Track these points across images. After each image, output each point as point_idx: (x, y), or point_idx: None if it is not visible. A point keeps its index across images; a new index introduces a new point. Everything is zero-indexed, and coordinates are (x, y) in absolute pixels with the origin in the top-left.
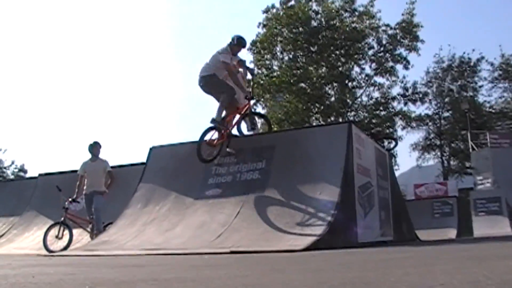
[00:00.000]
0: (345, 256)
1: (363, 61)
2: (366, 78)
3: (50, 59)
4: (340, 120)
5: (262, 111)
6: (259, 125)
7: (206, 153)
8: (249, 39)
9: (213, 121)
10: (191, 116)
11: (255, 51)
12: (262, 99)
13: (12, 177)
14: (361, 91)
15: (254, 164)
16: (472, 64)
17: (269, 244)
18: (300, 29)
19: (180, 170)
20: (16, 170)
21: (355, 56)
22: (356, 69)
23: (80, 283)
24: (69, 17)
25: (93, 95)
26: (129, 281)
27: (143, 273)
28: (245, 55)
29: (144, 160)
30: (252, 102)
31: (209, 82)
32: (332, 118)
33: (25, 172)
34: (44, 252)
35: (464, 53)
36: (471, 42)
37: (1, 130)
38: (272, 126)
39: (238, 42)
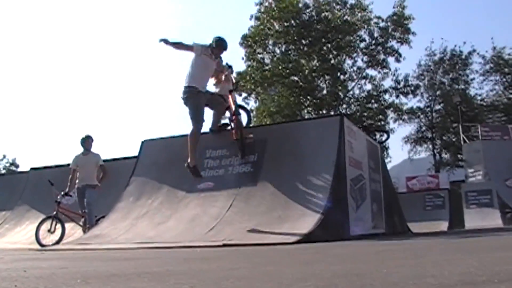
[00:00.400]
0: (337, 248)
1: (355, 54)
2: (358, 70)
3: (41, 52)
4: (332, 113)
5: (255, 105)
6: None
7: None
8: (241, 32)
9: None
10: (184, 109)
11: (246, 45)
12: (254, 92)
13: (3, 171)
14: (353, 84)
15: (246, 157)
16: (463, 57)
17: (261, 237)
18: (292, 22)
19: (172, 164)
20: (8, 164)
21: (347, 49)
22: (348, 61)
23: (72, 277)
24: (58, 7)
25: (85, 88)
26: (121, 274)
27: (136, 267)
28: (237, 49)
29: (136, 154)
30: (235, 95)
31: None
32: (324, 111)
33: (17, 166)
34: (36, 246)
35: (455, 46)
36: (462, 34)
37: None
38: (265, 120)
39: (218, 45)
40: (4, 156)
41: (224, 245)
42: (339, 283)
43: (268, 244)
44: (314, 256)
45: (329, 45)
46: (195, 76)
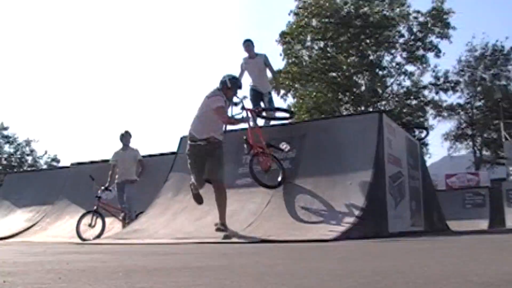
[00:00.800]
0: (376, 245)
1: (393, 50)
2: (397, 66)
3: (82, 48)
4: (371, 109)
5: (293, 100)
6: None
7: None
8: (280, 28)
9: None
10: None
11: (284, 42)
12: (292, 89)
13: (45, 166)
14: (392, 80)
15: (285, 154)
16: (505, 52)
17: (299, 233)
18: (331, 18)
19: None
20: (49, 159)
21: (386, 45)
22: (387, 57)
23: (114, 271)
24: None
25: (125, 83)
26: (162, 268)
27: (175, 261)
28: (275, 46)
29: (175, 150)
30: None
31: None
32: (363, 108)
33: (58, 161)
34: (77, 240)
35: (497, 41)
36: (505, 29)
37: (35, 121)
38: (303, 116)
39: (233, 84)
40: (46, 152)
41: (262, 241)
42: (381, 280)
43: (306, 241)
44: (352, 253)
45: (367, 41)
46: (201, 124)
